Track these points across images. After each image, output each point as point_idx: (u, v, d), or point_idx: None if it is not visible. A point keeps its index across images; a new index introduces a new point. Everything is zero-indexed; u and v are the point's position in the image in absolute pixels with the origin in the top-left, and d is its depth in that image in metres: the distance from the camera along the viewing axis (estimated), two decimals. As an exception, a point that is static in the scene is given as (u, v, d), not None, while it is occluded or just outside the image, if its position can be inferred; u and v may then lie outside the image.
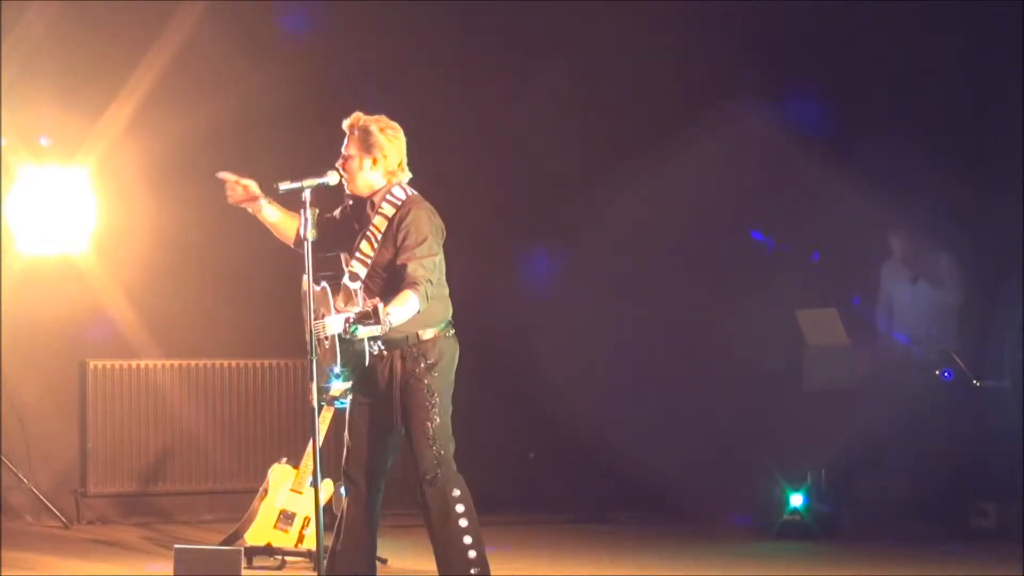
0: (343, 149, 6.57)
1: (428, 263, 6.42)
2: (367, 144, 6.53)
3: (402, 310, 6.26)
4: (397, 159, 6.58)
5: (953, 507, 10.18)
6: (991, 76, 10.92)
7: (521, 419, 11.06)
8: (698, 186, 10.97)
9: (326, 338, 6.31)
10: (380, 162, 6.54)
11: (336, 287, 6.52)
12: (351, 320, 6.09)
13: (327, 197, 6.57)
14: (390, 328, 6.18)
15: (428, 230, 6.48)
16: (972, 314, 10.79)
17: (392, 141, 6.56)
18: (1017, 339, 10.61)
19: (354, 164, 6.54)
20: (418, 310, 6.33)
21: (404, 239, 6.45)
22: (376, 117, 6.60)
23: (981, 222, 10.67)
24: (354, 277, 6.50)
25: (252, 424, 10.63)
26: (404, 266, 6.39)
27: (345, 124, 6.58)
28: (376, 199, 6.56)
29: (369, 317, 6.02)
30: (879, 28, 11.06)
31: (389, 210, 6.54)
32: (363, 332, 6.12)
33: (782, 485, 10.01)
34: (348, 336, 6.16)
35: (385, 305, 6.15)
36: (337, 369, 6.32)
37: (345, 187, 6.59)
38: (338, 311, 6.36)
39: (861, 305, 11.09)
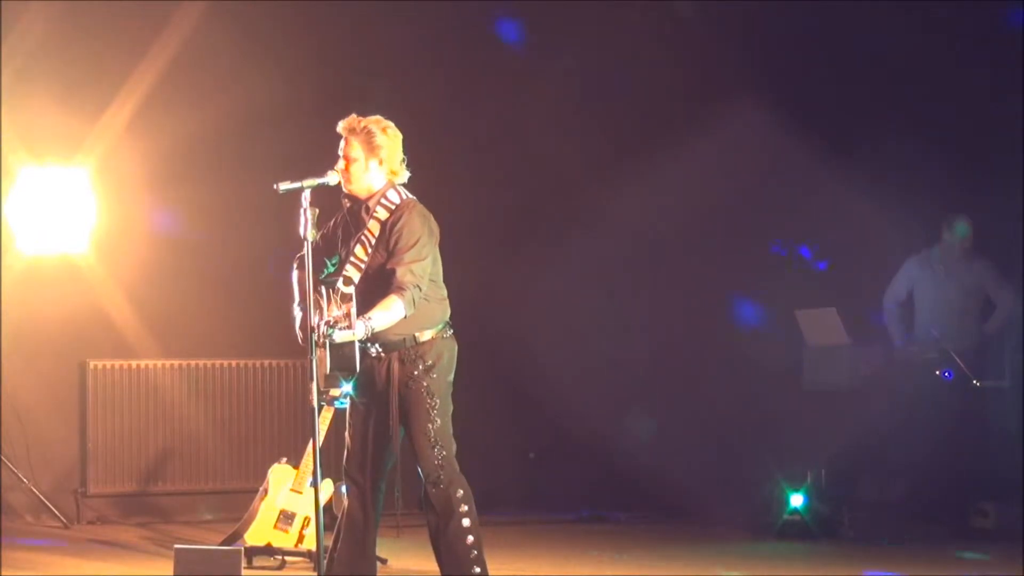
0: (342, 151, 6.54)
1: (417, 268, 6.42)
2: (372, 145, 6.52)
3: (386, 315, 6.30)
4: (398, 158, 6.60)
5: (953, 507, 10.17)
6: (991, 76, 10.91)
7: (521, 419, 11.06)
8: (698, 186, 10.97)
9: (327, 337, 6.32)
10: (384, 162, 6.55)
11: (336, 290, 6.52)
12: (329, 323, 6.14)
13: (327, 199, 6.57)
14: (371, 332, 6.24)
15: (419, 235, 6.47)
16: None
17: (394, 141, 6.58)
18: (1017, 340, 10.61)
19: (359, 166, 6.53)
20: (403, 315, 6.35)
21: (395, 244, 6.46)
22: (375, 118, 6.59)
23: (981, 222, 10.65)
24: (348, 281, 6.48)
25: (252, 424, 10.62)
26: (393, 271, 6.40)
27: (341, 126, 6.56)
28: (371, 203, 6.56)
29: (340, 322, 6.08)
30: (879, 28, 11.05)
31: (383, 214, 6.53)
32: (339, 337, 6.15)
33: (782, 485, 10.00)
34: (325, 340, 6.17)
35: (369, 309, 6.21)
36: (348, 387, 6.33)
37: (343, 188, 6.59)
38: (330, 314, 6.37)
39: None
